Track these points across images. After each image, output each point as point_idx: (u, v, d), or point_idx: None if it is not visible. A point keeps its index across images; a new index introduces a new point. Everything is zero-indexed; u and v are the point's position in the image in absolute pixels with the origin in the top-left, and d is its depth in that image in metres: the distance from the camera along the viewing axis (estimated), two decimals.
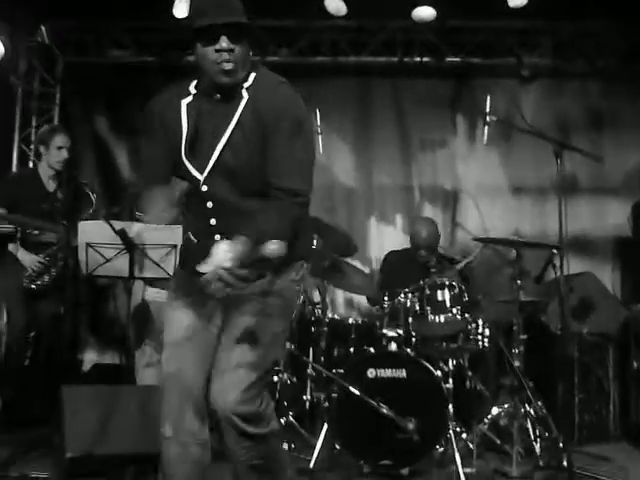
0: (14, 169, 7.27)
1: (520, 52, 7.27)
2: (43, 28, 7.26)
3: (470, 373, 5.43)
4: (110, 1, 6.52)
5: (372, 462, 4.72)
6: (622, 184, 7.42)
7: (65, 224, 5.47)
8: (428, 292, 5.05)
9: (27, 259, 5.52)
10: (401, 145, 7.73)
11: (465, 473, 4.58)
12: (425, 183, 7.72)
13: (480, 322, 5.21)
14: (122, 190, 7.33)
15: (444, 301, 5.03)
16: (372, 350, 5.11)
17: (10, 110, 7.33)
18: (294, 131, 2.88)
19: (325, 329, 5.41)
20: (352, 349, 5.49)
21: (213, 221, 2.97)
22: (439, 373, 4.90)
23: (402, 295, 5.16)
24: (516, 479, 4.60)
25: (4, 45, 6.50)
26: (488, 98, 5.21)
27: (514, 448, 4.68)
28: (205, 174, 2.92)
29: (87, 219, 5.21)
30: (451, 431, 4.73)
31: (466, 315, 5.06)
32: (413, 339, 5.15)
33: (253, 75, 2.96)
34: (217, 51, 2.82)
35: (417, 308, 5.08)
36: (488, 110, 5.22)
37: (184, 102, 2.99)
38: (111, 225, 4.74)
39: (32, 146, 7.23)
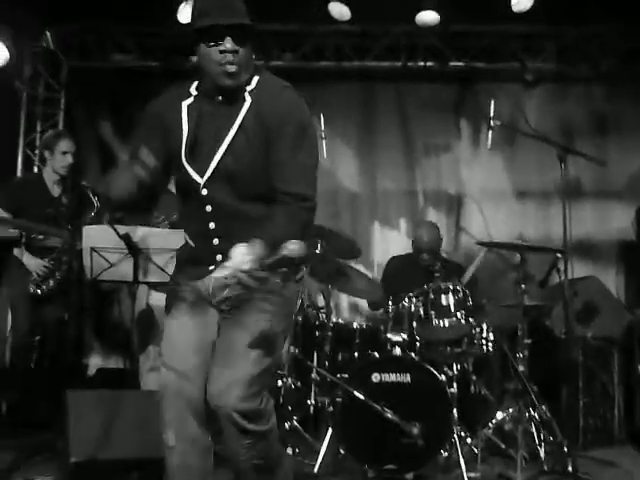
0: (19, 174, 7.28)
1: (524, 57, 7.28)
2: (48, 33, 7.28)
3: (474, 377, 5.43)
4: (114, 6, 6.53)
5: (377, 467, 4.70)
6: (626, 188, 7.41)
7: (70, 228, 5.49)
8: (432, 296, 5.05)
9: (32, 263, 5.53)
10: (405, 150, 7.73)
11: (470, 478, 4.58)
12: (429, 188, 7.72)
13: (484, 326, 5.21)
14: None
15: (448, 305, 5.03)
16: (376, 354, 5.10)
17: (15, 115, 7.34)
18: (298, 135, 2.87)
19: (329, 333, 5.40)
20: (356, 353, 5.49)
21: (212, 225, 2.94)
22: (443, 377, 4.89)
23: (406, 299, 5.16)
24: None
25: (9, 50, 6.52)
26: (492, 102, 5.21)
27: (519, 453, 4.67)
28: (205, 178, 2.89)
29: (90, 223, 5.21)
30: (455, 436, 4.72)
31: (470, 319, 5.06)
32: (417, 343, 5.15)
33: (256, 78, 2.94)
34: (221, 52, 2.80)
35: (421, 312, 5.07)
36: (492, 114, 5.22)
37: (185, 104, 2.97)
38: (115, 230, 4.75)
39: (37, 151, 7.24)
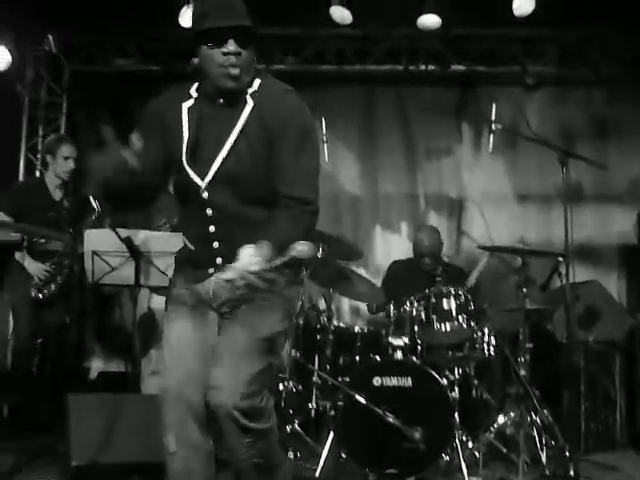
0: (21, 177, 7.29)
1: (525, 60, 7.29)
2: (50, 37, 7.29)
3: (476, 382, 5.42)
4: (116, 10, 6.53)
5: (378, 471, 4.69)
6: (627, 192, 7.41)
7: (71, 232, 5.50)
8: (434, 300, 5.05)
9: (33, 267, 5.54)
10: (406, 153, 7.74)
11: None
12: (430, 191, 7.73)
13: (486, 331, 5.20)
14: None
15: (450, 310, 5.03)
16: (378, 358, 5.09)
17: (17, 119, 7.35)
18: (301, 139, 2.86)
19: (331, 337, 5.40)
20: (358, 357, 5.48)
21: (212, 228, 2.93)
22: (445, 382, 4.89)
23: (408, 303, 5.16)
24: None
25: (11, 54, 6.53)
26: (493, 106, 5.22)
27: (520, 457, 4.66)
28: (206, 181, 2.87)
29: (91, 226, 5.22)
30: (457, 440, 4.72)
31: (472, 324, 5.05)
32: (419, 347, 5.14)
33: (258, 81, 2.93)
34: (224, 54, 2.79)
35: (423, 316, 5.07)
36: (493, 118, 5.23)
37: (185, 105, 2.95)
38: (117, 233, 4.75)
39: (39, 155, 7.25)
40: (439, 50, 7.34)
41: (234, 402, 2.78)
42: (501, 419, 5.14)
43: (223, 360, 2.86)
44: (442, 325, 5.01)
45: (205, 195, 2.89)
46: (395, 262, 6.47)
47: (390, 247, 7.58)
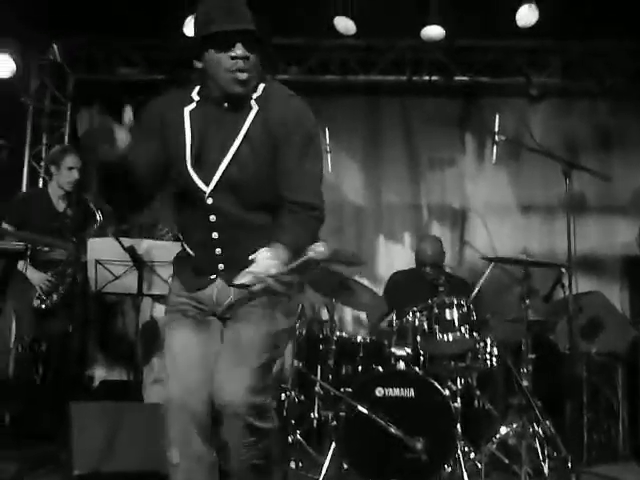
0: (24, 185, 7.31)
1: (529, 71, 7.31)
2: (55, 46, 7.31)
3: (478, 392, 5.41)
4: (121, 19, 6.56)
5: None
6: (631, 203, 7.41)
7: (74, 241, 5.50)
8: (437, 311, 5.05)
9: (36, 277, 5.55)
10: (410, 164, 7.74)
11: None
12: (433, 202, 7.73)
13: (488, 341, 5.20)
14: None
15: (452, 320, 5.03)
16: (380, 369, 5.10)
17: (21, 127, 7.37)
18: (305, 144, 2.85)
19: (333, 347, 5.39)
20: (360, 367, 5.47)
21: (215, 234, 2.90)
22: (447, 392, 4.88)
23: (410, 314, 5.16)
24: None
25: (16, 63, 6.55)
26: (497, 117, 5.22)
27: (522, 468, 4.66)
28: (211, 187, 2.84)
29: (94, 235, 5.23)
30: (459, 451, 4.71)
31: (474, 334, 5.05)
32: (421, 358, 5.15)
33: (262, 86, 2.91)
34: (232, 58, 2.76)
35: (425, 327, 5.07)
36: (497, 129, 5.23)
37: (187, 109, 2.92)
38: (120, 242, 4.76)
39: (42, 163, 7.26)
40: (443, 61, 7.36)
41: (243, 399, 2.76)
42: (503, 430, 5.12)
43: (229, 358, 2.84)
44: (445, 335, 5.01)
45: (210, 201, 2.86)
46: (396, 273, 6.46)
47: (393, 257, 7.58)
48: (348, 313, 7.41)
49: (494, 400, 5.58)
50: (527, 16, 6.52)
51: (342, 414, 4.78)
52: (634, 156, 7.44)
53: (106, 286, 4.96)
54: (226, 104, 2.88)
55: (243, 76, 2.79)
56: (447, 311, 5.05)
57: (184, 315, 2.98)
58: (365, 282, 6.40)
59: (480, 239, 7.55)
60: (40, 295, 5.55)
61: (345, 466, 4.77)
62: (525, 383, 4.93)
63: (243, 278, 2.57)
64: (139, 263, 4.83)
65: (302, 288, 3.15)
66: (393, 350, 5.06)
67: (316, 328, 5.77)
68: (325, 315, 5.85)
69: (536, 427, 5.01)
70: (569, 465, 4.82)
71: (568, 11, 6.33)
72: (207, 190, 2.85)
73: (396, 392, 4.76)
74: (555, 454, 5.02)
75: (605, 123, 7.55)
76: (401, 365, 4.98)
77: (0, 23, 5.93)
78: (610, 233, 7.43)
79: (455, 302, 5.07)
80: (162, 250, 4.86)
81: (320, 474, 4.72)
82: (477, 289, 5.36)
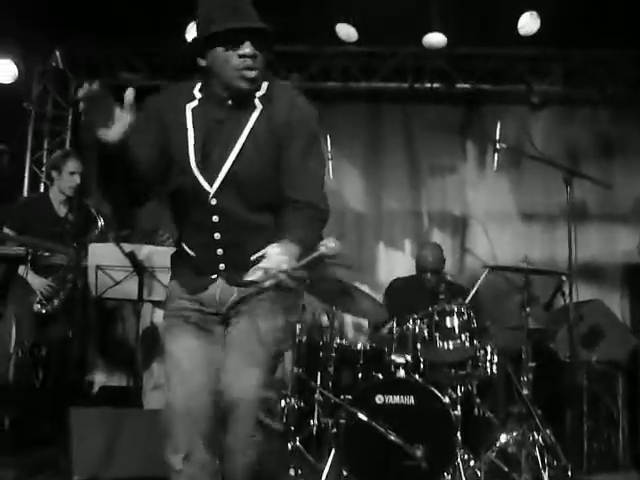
0: (25, 190, 7.32)
1: (530, 79, 7.31)
2: (57, 52, 7.32)
3: (478, 400, 5.40)
4: (123, 25, 6.56)
5: None
6: (632, 211, 7.41)
7: (75, 246, 5.50)
8: (437, 318, 5.05)
9: (36, 282, 5.55)
10: (410, 170, 7.75)
11: None
12: (434, 209, 7.73)
13: (489, 349, 5.20)
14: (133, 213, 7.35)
15: (453, 328, 5.03)
16: (380, 376, 5.10)
17: (23, 132, 7.38)
18: (309, 143, 2.85)
19: (333, 354, 5.39)
20: (360, 375, 5.46)
21: (217, 235, 2.86)
22: (447, 400, 4.87)
23: (411, 321, 5.16)
24: None
25: (18, 68, 6.56)
26: (498, 125, 5.23)
27: (522, 476, 4.66)
28: (215, 187, 2.80)
29: (95, 240, 5.23)
30: (459, 459, 4.71)
31: (475, 342, 5.05)
32: (421, 365, 5.14)
33: (265, 84, 2.89)
34: (240, 56, 2.73)
35: (426, 334, 5.07)
36: (498, 137, 5.24)
37: (189, 106, 2.88)
38: (121, 248, 4.77)
39: (44, 168, 7.27)
40: (444, 68, 7.36)
41: (253, 394, 2.73)
42: (503, 438, 5.11)
43: (237, 354, 2.82)
44: (445, 343, 5.01)
45: (213, 202, 2.82)
46: (396, 279, 6.47)
47: (393, 264, 7.57)
48: (348, 320, 7.40)
49: (494, 408, 5.58)
50: (529, 24, 6.54)
51: (342, 421, 4.78)
52: (635, 164, 7.44)
53: (106, 291, 4.97)
54: (230, 102, 2.84)
55: (251, 74, 2.76)
56: (447, 318, 5.05)
57: (186, 321, 2.94)
58: (365, 289, 6.40)
59: (481, 246, 7.55)
60: (41, 300, 5.55)
61: (345, 473, 4.75)
62: (525, 391, 4.93)
63: (254, 275, 2.53)
64: (140, 269, 4.83)
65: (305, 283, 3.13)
66: (393, 357, 5.06)
67: (316, 335, 5.77)
68: (325, 322, 5.84)
69: (536, 435, 5.01)
70: (569, 474, 4.82)
71: (569, 19, 6.34)
72: (211, 191, 2.81)
73: (396, 399, 4.76)
74: (555, 462, 5.02)
75: (606, 131, 7.56)
76: (401, 372, 4.97)
77: (2, 28, 5.95)
78: (611, 241, 7.43)
79: (455, 310, 5.06)
80: (163, 256, 4.85)
81: None
82: (472, 293, 5.36)
